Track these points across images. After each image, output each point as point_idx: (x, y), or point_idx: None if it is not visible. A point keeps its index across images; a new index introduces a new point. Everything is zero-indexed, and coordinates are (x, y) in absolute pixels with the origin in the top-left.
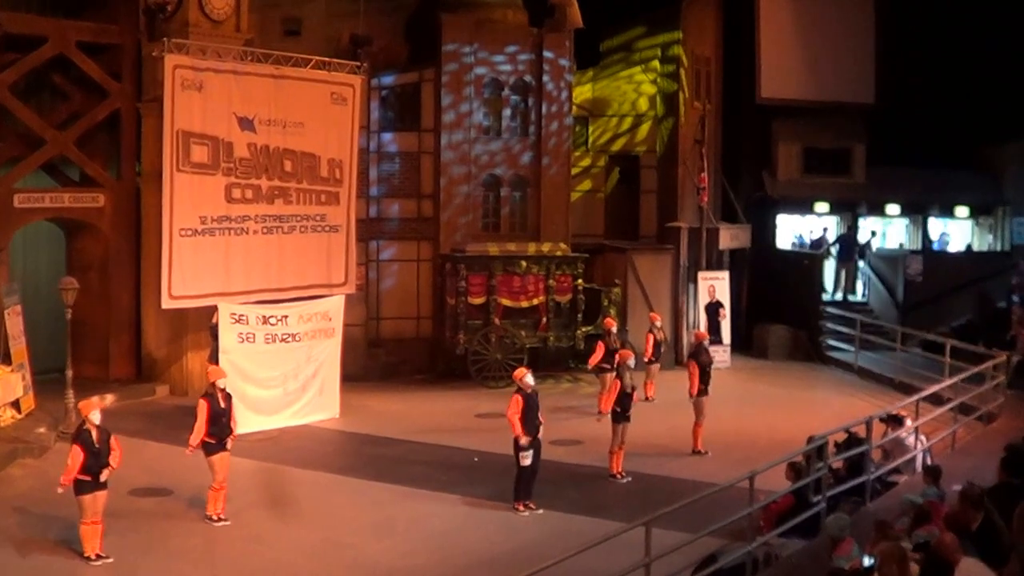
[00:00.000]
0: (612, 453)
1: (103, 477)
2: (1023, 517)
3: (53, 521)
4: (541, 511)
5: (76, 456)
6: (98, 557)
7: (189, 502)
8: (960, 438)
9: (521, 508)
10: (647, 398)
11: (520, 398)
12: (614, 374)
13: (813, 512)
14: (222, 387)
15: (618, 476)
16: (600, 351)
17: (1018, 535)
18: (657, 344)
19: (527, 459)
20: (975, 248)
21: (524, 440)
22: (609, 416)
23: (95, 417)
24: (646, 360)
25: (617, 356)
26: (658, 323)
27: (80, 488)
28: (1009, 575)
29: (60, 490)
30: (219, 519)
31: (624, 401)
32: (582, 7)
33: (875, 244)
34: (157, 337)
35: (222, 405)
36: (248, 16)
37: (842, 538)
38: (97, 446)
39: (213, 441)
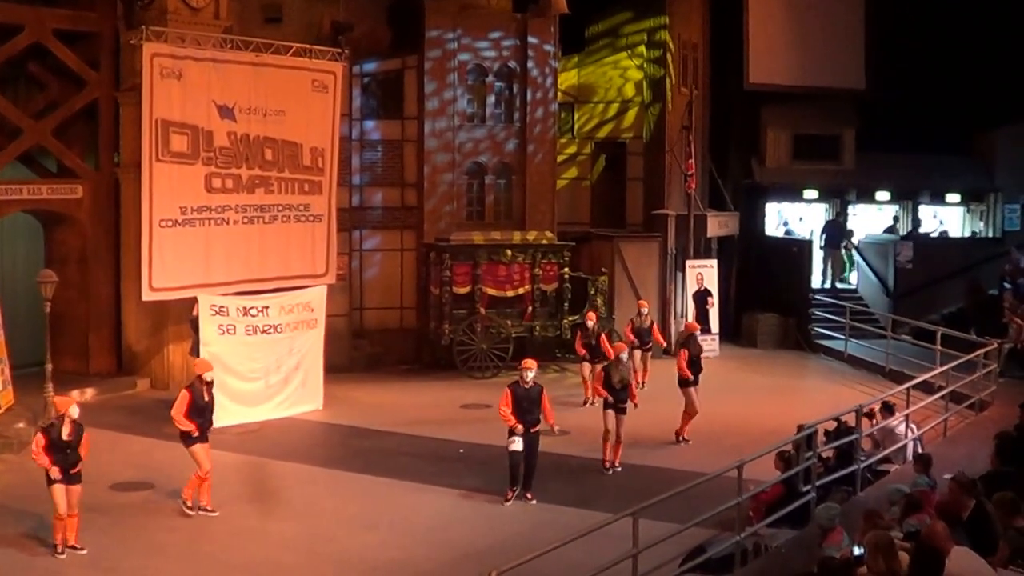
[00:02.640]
0: (604, 441)
1: (73, 471)
2: (1002, 504)
3: (32, 516)
4: (535, 502)
5: (39, 443)
6: (71, 548)
7: (171, 496)
8: (951, 426)
9: (510, 497)
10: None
11: (509, 392)
12: (593, 365)
13: (803, 502)
14: (208, 380)
15: (606, 467)
16: (579, 339)
17: (1001, 520)
18: (638, 331)
19: (513, 444)
20: (951, 235)
21: (519, 428)
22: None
23: (74, 412)
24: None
25: (612, 349)
26: (644, 310)
27: (49, 481)
28: (998, 561)
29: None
30: (208, 510)
31: (614, 393)
32: None
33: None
34: (137, 330)
35: (205, 398)
36: (227, 3)
37: (832, 527)
38: (66, 440)
39: (196, 433)
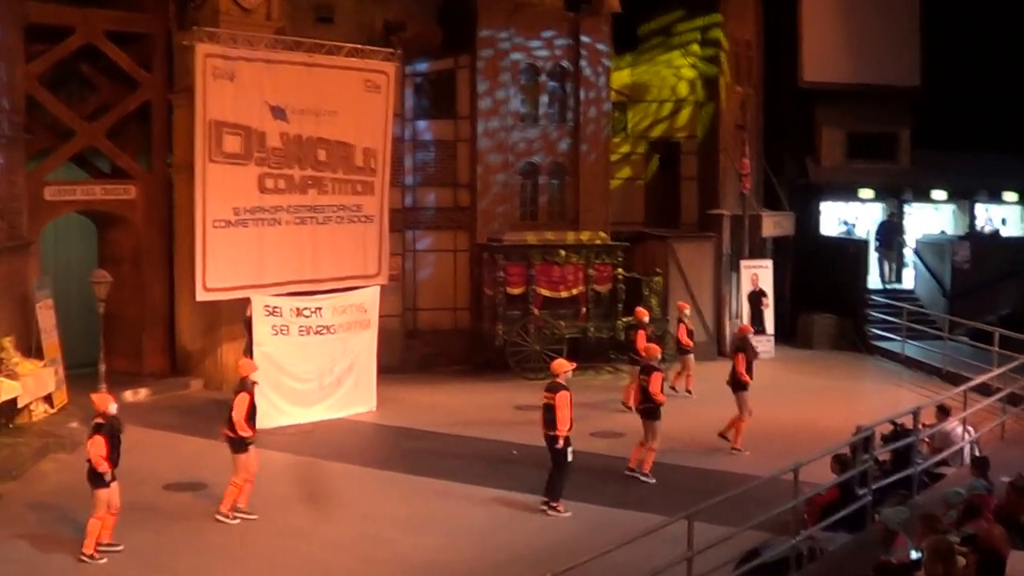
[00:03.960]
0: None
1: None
2: None
3: (85, 515)
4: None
5: (99, 446)
6: (107, 547)
7: (224, 497)
8: (1009, 429)
9: (561, 509)
10: (687, 391)
11: (569, 394)
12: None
13: (859, 505)
14: (255, 381)
15: (637, 472)
16: (643, 338)
17: None
18: (689, 333)
19: (571, 455)
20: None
21: (562, 444)
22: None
23: (113, 409)
24: (684, 349)
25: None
26: (687, 312)
27: (99, 481)
28: None
29: (106, 474)
30: (241, 514)
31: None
32: None
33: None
34: (191, 330)
35: (255, 400)
36: (279, 4)
37: (898, 532)
38: (116, 432)
39: (253, 437)
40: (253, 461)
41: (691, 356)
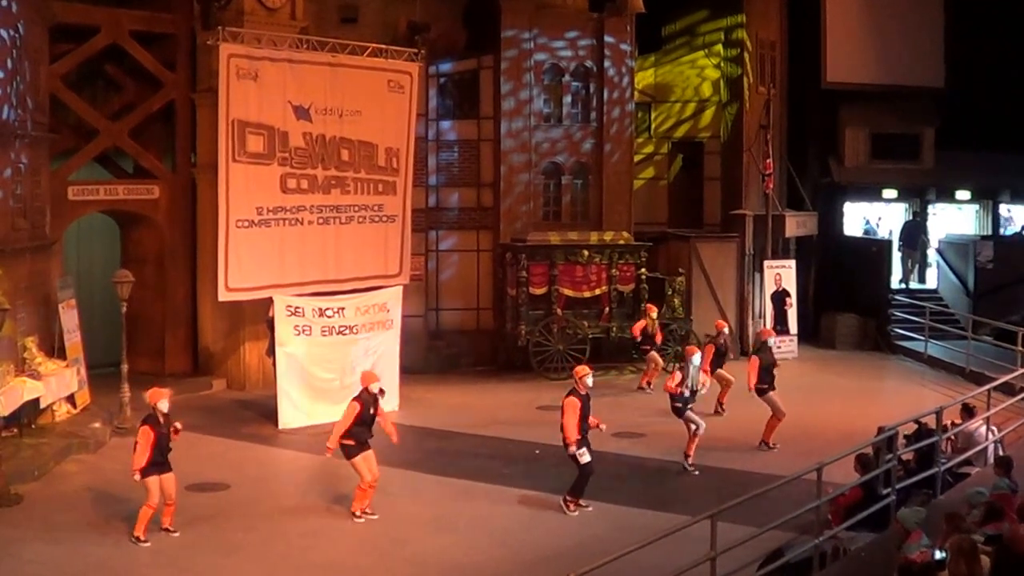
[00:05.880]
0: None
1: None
2: None
3: (107, 516)
4: (591, 508)
5: (147, 436)
6: (165, 531)
7: (246, 497)
8: None
9: (572, 507)
10: (642, 387)
11: (577, 401)
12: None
13: (882, 505)
14: (374, 391)
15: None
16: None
17: None
18: (648, 336)
19: (585, 456)
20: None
21: (573, 448)
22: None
23: (163, 406)
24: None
25: (685, 351)
26: (653, 314)
27: (146, 471)
28: None
29: (136, 477)
30: (364, 514)
31: (684, 398)
32: None
33: None
34: (213, 330)
35: (371, 410)
36: (304, 4)
37: (914, 530)
38: (165, 431)
39: (353, 443)
40: (366, 465)
41: (654, 354)
